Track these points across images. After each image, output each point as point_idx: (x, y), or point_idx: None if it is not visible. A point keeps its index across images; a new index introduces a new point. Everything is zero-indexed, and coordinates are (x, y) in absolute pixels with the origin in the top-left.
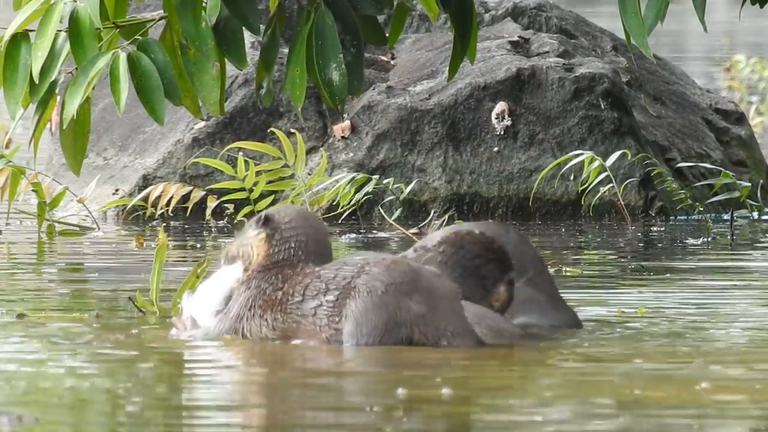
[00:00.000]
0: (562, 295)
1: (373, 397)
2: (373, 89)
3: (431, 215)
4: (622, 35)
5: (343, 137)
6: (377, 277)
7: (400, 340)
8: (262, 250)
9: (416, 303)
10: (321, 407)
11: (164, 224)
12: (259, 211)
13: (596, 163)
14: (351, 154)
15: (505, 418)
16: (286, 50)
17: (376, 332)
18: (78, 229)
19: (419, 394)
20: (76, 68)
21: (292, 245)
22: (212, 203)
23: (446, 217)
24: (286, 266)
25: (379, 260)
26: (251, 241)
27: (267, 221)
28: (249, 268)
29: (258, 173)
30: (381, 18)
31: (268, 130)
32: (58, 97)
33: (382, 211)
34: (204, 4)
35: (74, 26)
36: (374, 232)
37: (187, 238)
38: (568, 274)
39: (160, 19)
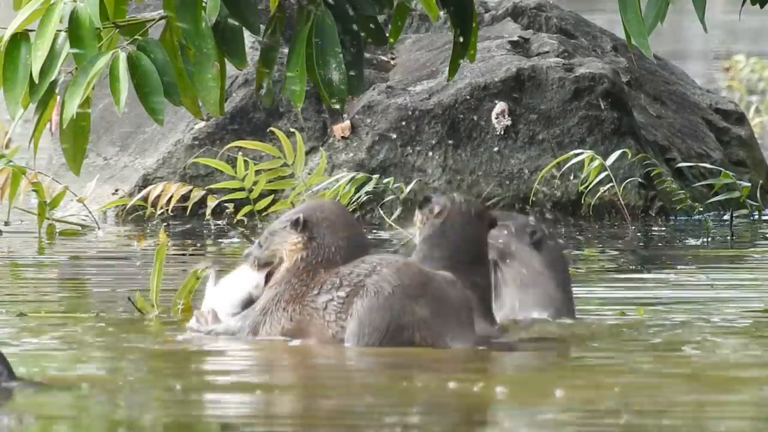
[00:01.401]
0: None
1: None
2: (373, 89)
3: None
4: (622, 35)
5: (343, 137)
6: (386, 278)
7: (401, 343)
8: (297, 255)
9: (421, 307)
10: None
11: (164, 224)
12: (259, 211)
13: (596, 162)
14: (351, 154)
15: (505, 420)
16: (286, 50)
17: (377, 334)
18: (78, 228)
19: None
20: (76, 68)
21: (333, 250)
22: (212, 203)
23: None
24: (321, 266)
25: (392, 262)
26: (287, 246)
27: (306, 226)
28: (282, 268)
29: (258, 173)
30: (381, 18)
31: (268, 130)
32: (58, 97)
33: (382, 211)
34: (204, 4)
35: (74, 26)
36: (374, 231)
37: (187, 237)
38: None
39: (160, 19)
